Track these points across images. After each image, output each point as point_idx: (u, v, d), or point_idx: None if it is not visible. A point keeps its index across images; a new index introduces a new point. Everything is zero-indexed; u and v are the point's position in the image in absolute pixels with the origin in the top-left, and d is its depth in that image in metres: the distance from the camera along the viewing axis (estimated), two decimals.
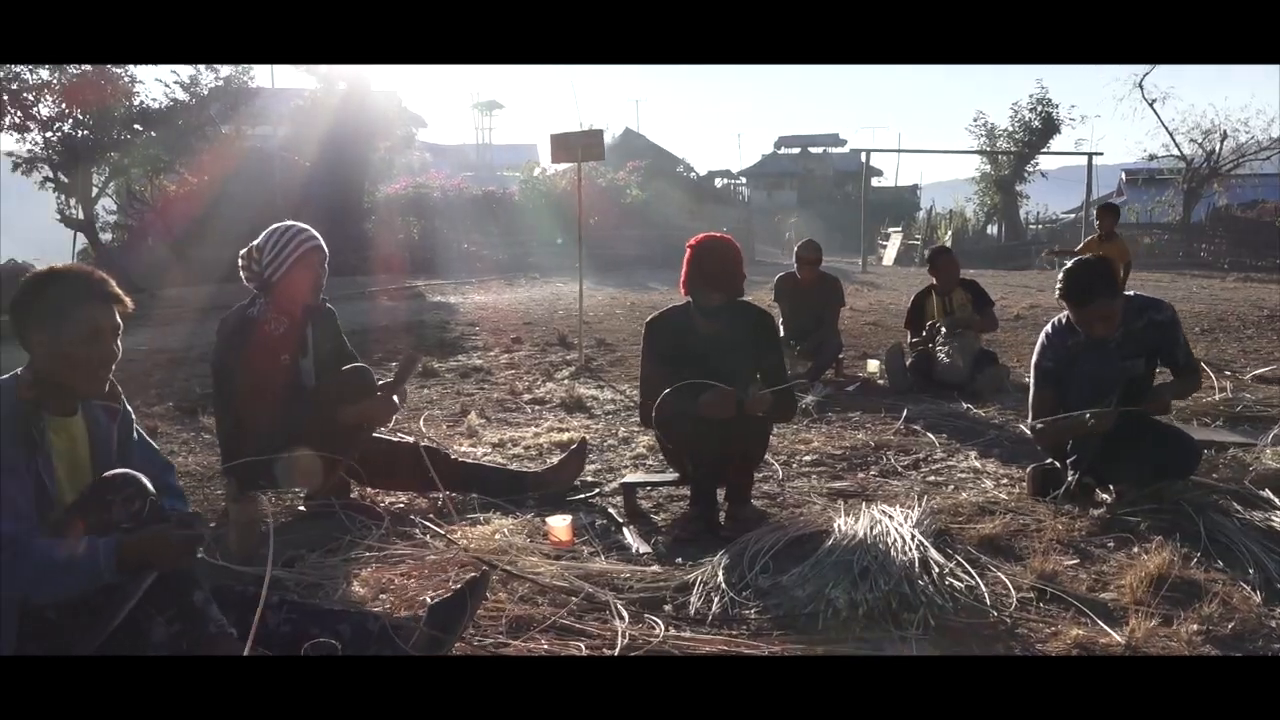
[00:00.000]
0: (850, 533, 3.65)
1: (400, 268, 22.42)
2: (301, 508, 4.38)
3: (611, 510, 4.37)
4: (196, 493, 4.76)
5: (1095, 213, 11.01)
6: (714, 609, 3.21)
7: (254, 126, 25.75)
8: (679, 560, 3.69)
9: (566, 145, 8.89)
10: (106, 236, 23.41)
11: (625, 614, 3.13)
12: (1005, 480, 4.78)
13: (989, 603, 3.22)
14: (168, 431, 6.15)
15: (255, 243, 4.22)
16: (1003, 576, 3.43)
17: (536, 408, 6.83)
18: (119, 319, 2.70)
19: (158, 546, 2.58)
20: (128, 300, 2.72)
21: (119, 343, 2.72)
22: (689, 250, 4.21)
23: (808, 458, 5.25)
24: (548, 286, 18.84)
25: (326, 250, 4.29)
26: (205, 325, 11.63)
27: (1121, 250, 10.06)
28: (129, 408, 3.00)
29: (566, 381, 7.81)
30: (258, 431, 4.09)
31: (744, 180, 56.85)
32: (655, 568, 3.60)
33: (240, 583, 3.13)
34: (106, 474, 2.74)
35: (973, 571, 3.42)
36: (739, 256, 4.22)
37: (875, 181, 45.57)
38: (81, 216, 22.41)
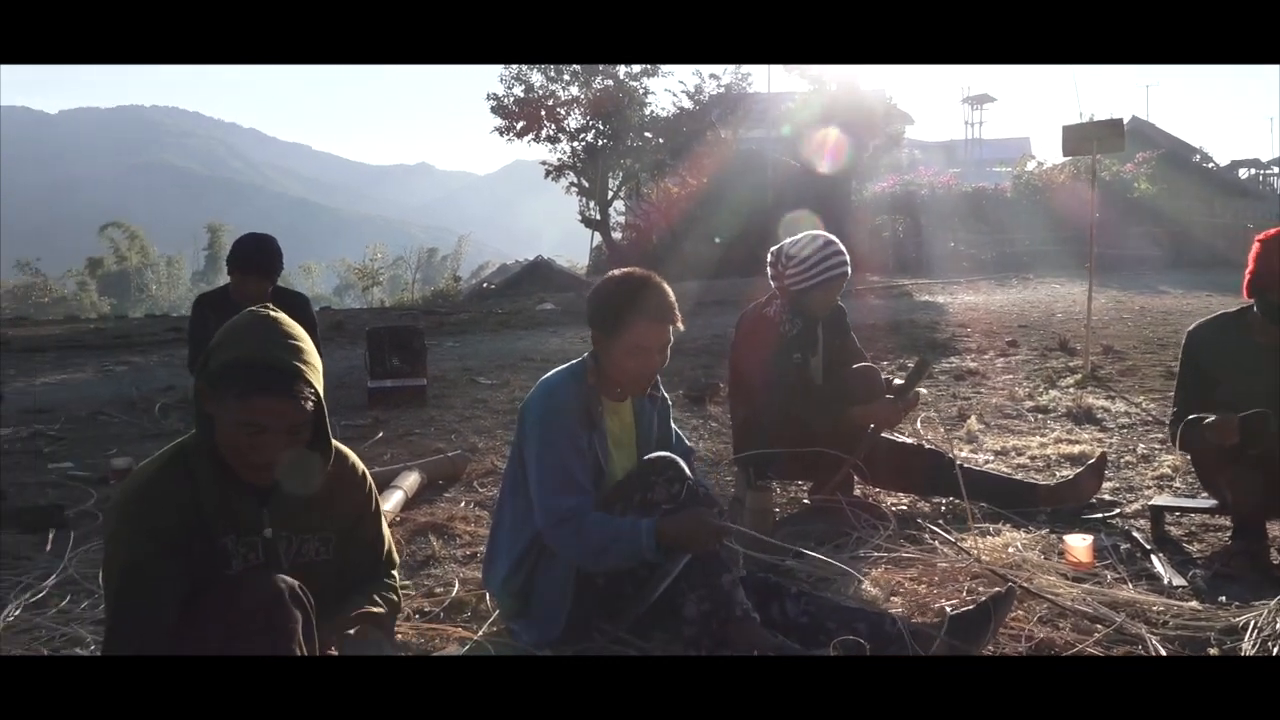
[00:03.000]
0: None
1: (885, 266, 22.41)
2: (806, 501, 4.48)
3: (1136, 534, 3.99)
4: (707, 478, 5.04)
5: None
6: None
7: (749, 129, 27.00)
8: (1222, 599, 3.28)
9: (1081, 136, 8.27)
10: (617, 235, 25.77)
11: (1163, 652, 2.84)
12: None
13: None
14: (678, 417, 6.57)
15: (787, 246, 4.28)
16: None
17: (1040, 416, 6.45)
18: (670, 335, 2.89)
19: (692, 530, 2.76)
20: (680, 320, 2.90)
21: (667, 353, 2.91)
22: (1257, 245, 3.70)
23: None
24: (1042, 287, 17.82)
25: (850, 273, 4.31)
26: (697, 319, 12.35)
27: None
28: (666, 395, 3.23)
29: (1072, 390, 7.28)
30: (769, 425, 4.24)
31: (1275, 170, 50.19)
32: (1193, 604, 3.23)
33: (758, 569, 3.25)
34: (650, 456, 2.97)
35: None
36: None
37: None
38: (598, 217, 24.92)
